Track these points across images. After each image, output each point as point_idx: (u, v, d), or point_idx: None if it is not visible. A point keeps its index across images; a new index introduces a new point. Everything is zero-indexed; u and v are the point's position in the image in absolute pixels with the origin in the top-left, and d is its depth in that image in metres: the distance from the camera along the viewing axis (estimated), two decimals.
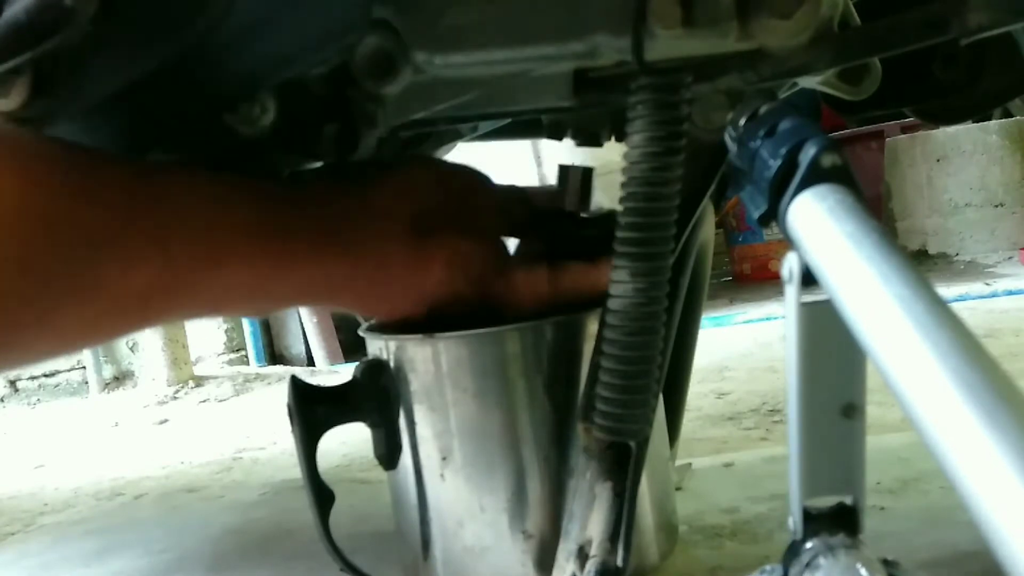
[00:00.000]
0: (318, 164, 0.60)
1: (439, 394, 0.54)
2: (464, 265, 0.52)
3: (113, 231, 0.42)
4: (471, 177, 0.58)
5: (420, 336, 0.54)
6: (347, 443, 1.15)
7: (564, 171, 0.59)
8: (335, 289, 0.52)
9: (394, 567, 0.61)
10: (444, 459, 0.54)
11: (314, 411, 0.54)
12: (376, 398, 0.55)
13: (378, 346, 0.57)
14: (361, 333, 0.59)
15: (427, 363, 0.54)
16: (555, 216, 0.58)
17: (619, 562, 0.47)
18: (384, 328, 0.60)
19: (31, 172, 0.40)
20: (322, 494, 0.55)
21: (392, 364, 0.55)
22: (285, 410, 0.55)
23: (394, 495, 0.59)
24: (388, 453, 0.56)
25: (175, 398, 2.09)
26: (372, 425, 0.56)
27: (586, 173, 0.59)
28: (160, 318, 0.48)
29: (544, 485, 0.54)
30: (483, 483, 0.54)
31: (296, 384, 0.54)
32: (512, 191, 0.60)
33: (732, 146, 0.40)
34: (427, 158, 0.57)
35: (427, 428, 0.55)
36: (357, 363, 0.57)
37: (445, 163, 0.57)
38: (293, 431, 0.54)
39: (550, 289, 0.54)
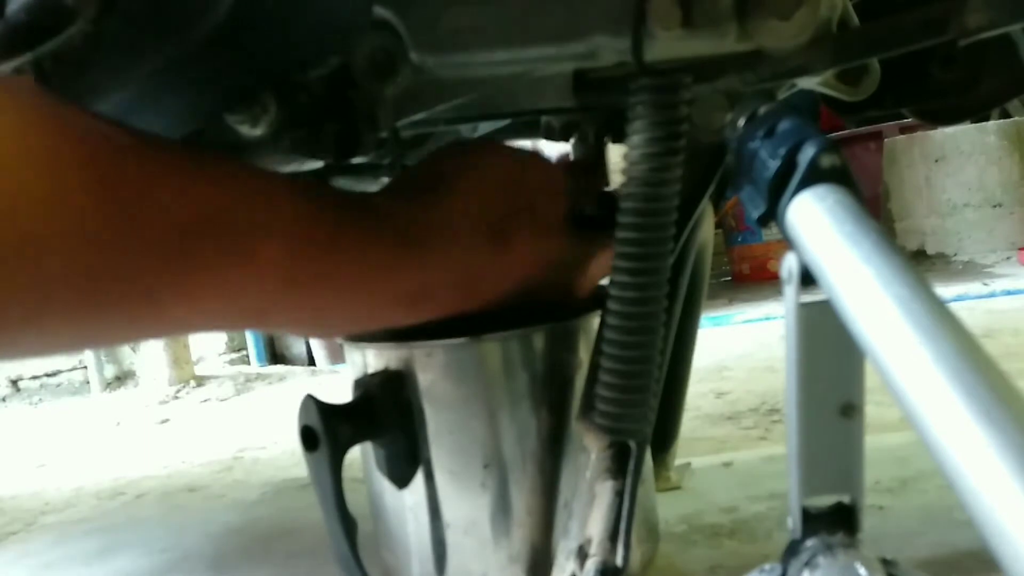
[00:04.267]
0: (319, 166, 0.60)
1: (482, 398, 0.51)
2: (546, 260, 0.51)
3: (214, 226, 0.38)
4: (540, 163, 0.55)
5: (463, 339, 0.51)
6: None
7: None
8: (415, 302, 0.48)
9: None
10: (486, 467, 0.51)
11: (342, 431, 0.50)
12: (398, 412, 0.52)
13: (391, 356, 0.52)
14: (362, 345, 0.55)
15: (469, 367, 0.52)
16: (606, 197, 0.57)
17: (619, 561, 0.47)
18: (367, 337, 0.56)
19: (115, 163, 0.36)
20: (349, 521, 0.51)
21: (416, 373, 0.52)
22: (300, 432, 0.51)
23: (395, 513, 0.55)
24: (407, 470, 0.52)
25: (176, 397, 2.09)
26: (391, 442, 0.52)
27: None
28: (254, 322, 0.45)
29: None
30: (532, 487, 0.52)
31: (318, 403, 0.50)
32: (572, 167, 0.58)
33: (731, 147, 0.40)
34: (496, 146, 0.54)
35: (466, 436, 0.51)
36: (363, 376, 0.53)
37: (514, 151, 0.54)
38: (314, 454, 0.50)
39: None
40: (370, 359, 0.54)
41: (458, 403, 0.52)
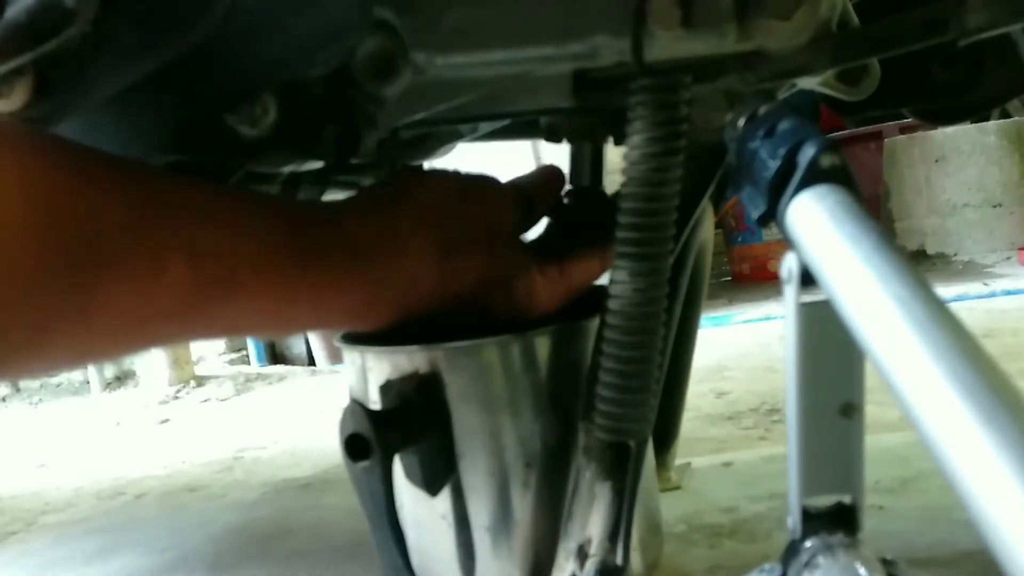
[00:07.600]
0: (319, 166, 0.60)
1: (524, 395, 0.52)
2: (491, 279, 0.51)
3: (118, 244, 0.39)
4: (486, 185, 0.56)
5: (507, 336, 0.51)
6: None
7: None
8: (357, 313, 0.50)
9: None
10: (528, 466, 0.51)
11: (391, 437, 0.49)
12: (437, 417, 0.51)
13: (422, 358, 0.51)
14: (393, 350, 0.52)
15: (512, 364, 0.52)
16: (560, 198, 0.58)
17: (619, 561, 0.47)
18: (366, 339, 0.55)
19: (30, 171, 0.37)
20: (399, 532, 0.50)
21: (451, 374, 0.51)
22: (344, 443, 0.49)
23: (416, 523, 0.54)
24: (443, 475, 0.51)
25: (176, 397, 2.09)
26: (428, 447, 0.51)
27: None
28: (165, 340, 0.45)
29: None
30: (542, 490, 0.52)
31: (366, 411, 0.48)
32: (518, 184, 0.59)
33: (731, 146, 0.40)
34: (442, 172, 0.55)
35: (508, 436, 0.51)
36: (391, 381, 0.51)
37: (459, 175, 0.55)
38: (362, 464, 0.48)
39: (564, 288, 0.54)
40: (404, 360, 0.52)
41: (500, 401, 0.51)
